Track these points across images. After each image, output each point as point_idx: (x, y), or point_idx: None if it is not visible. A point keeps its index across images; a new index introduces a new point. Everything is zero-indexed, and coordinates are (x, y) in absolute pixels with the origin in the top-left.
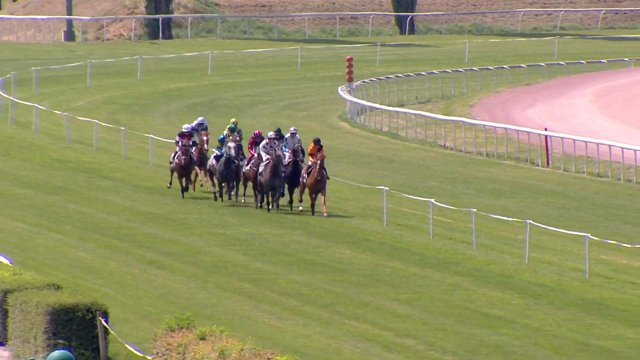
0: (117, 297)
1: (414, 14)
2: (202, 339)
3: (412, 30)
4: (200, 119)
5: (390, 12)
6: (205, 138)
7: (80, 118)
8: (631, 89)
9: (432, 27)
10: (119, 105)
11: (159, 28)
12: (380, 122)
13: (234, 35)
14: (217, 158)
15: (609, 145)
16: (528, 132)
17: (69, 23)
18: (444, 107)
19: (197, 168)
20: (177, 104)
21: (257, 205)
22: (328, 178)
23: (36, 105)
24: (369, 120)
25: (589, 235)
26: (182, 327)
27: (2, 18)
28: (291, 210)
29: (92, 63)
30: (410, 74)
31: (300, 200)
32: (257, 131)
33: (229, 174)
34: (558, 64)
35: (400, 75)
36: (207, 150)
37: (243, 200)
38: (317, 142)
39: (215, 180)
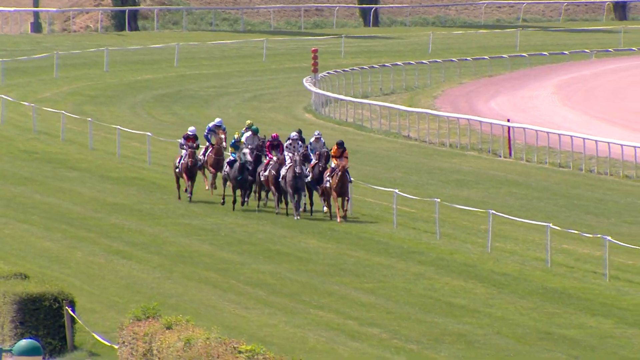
0: (84, 286)
1: (378, 6)
2: (169, 328)
3: (377, 23)
4: (218, 120)
5: (355, 4)
6: (223, 136)
7: (47, 109)
8: (592, 80)
9: (396, 20)
10: (86, 97)
11: (125, 20)
12: (345, 114)
13: (200, 27)
14: (231, 164)
15: (571, 136)
16: (491, 123)
17: (36, 15)
18: (408, 99)
19: (210, 169)
20: (143, 95)
21: (277, 211)
22: (351, 182)
23: (3, 96)
24: (333, 112)
25: (550, 225)
26: (148, 316)
27: None
28: (311, 215)
29: (59, 54)
30: (375, 66)
31: (327, 204)
32: (274, 134)
33: (244, 180)
34: (520, 55)
35: (364, 66)
36: (225, 149)
37: (264, 204)
38: (340, 144)
39: (229, 185)
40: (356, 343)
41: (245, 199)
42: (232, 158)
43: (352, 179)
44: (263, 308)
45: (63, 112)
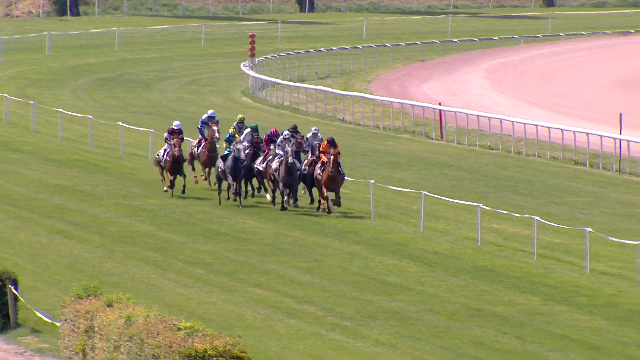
0: (27, 265)
1: None
2: (109, 305)
3: (312, 8)
4: (210, 111)
5: None
6: (216, 128)
7: None
8: (521, 65)
9: (332, 5)
10: (28, 80)
11: (66, 5)
12: (282, 97)
13: (140, 12)
14: (224, 158)
15: (500, 119)
16: (423, 107)
17: None
18: (343, 83)
19: (202, 166)
20: (85, 79)
21: (274, 204)
22: (344, 175)
23: None
24: (270, 95)
25: (481, 205)
26: (89, 294)
27: None
28: (318, 211)
29: (2, 39)
30: (311, 51)
31: (321, 196)
32: (273, 129)
33: (238, 169)
34: (452, 41)
35: (300, 51)
36: (218, 139)
37: (268, 197)
38: (331, 142)
39: (229, 177)
40: (293, 320)
41: (242, 192)
42: (226, 153)
43: (344, 173)
44: (202, 286)
45: (6, 95)
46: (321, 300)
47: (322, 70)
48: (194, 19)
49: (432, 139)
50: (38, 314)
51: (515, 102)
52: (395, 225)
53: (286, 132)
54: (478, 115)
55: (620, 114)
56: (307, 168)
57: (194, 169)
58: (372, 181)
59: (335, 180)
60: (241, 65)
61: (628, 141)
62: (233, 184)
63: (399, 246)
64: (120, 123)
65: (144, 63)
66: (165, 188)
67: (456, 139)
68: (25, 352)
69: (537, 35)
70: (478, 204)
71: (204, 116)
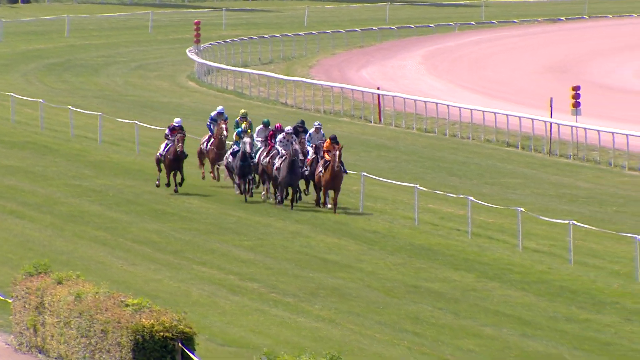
0: None
1: None
2: (60, 283)
3: None
4: (219, 108)
5: None
6: (224, 126)
7: None
8: (456, 51)
9: None
10: None
11: None
12: (226, 82)
13: (89, 0)
14: (234, 154)
15: (436, 103)
16: (362, 91)
17: None
18: (285, 68)
19: (210, 162)
20: (35, 64)
21: (276, 202)
22: (346, 172)
23: None
24: (215, 80)
25: (418, 186)
26: (40, 272)
27: None
28: (317, 206)
29: None
30: (254, 37)
31: (322, 193)
32: (277, 124)
33: (247, 167)
34: (390, 28)
35: (244, 38)
36: (226, 137)
37: (264, 196)
38: (333, 139)
39: (235, 177)
40: (237, 297)
41: (251, 187)
42: (235, 148)
43: (347, 170)
44: (149, 264)
45: None
46: (264, 277)
47: (265, 56)
48: (142, 7)
49: (371, 122)
50: None
51: (450, 87)
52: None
53: (289, 127)
54: (415, 100)
55: (551, 98)
56: (307, 168)
57: (202, 165)
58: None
59: (337, 178)
60: (187, 51)
61: (558, 124)
62: (240, 182)
63: (340, 225)
64: (70, 107)
65: (93, 49)
66: (157, 182)
67: (394, 122)
68: None
69: (471, 22)
70: (415, 185)
71: (213, 113)
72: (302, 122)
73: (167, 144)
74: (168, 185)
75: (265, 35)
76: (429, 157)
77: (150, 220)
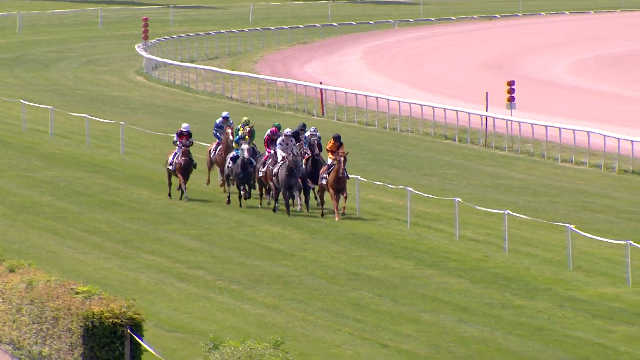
0: None
1: None
2: (12, 271)
3: None
4: (224, 114)
5: None
6: (229, 131)
7: None
8: (396, 47)
9: None
10: None
11: None
12: (174, 77)
13: None
14: (234, 159)
15: (377, 97)
16: (305, 86)
17: None
18: (231, 63)
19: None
20: None
21: (275, 206)
22: (348, 178)
23: None
24: (163, 75)
25: (359, 177)
26: None
27: None
28: (307, 211)
29: None
30: (200, 33)
31: (321, 202)
32: (273, 128)
33: (247, 177)
34: (332, 25)
35: (191, 34)
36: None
37: (267, 203)
38: (337, 138)
39: (232, 183)
40: (184, 284)
41: (247, 194)
42: (235, 154)
43: (349, 175)
44: (99, 253)
45: None
46: (210, 265)
47: (211, 51)
48: (91, 4)
49: (314, 115)
50: None
51: (390, 82)
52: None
53: (288, 130)
54: (356, 94)
55: (487, 93)
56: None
57: (209, 170)
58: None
59: (341, 181)
60: (136, 46)
61: (494, 118)
62: (239, 189)
63: (283, 215)
64: (22, 100)
65: (44, 44)
66: (170, 192)
67: (336, 115)
68: None
69: (410, 19)
70: (357, 177)
71: (218, 120)
72: (304, 126)
73: (175, 153)
74: (170, 195)
75: (211, 32)
76: (370, 150)
77: (99, 211)
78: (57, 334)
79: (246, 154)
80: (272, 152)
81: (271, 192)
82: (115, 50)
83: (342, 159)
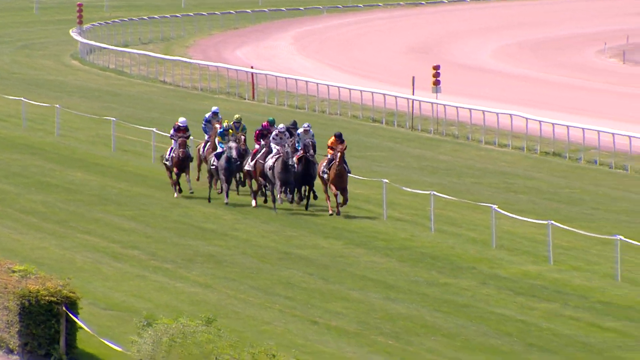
0: None
1: None
2: None
3: None
4: (214, 108)
5: None
6: (218, 126)
7: None
8: (325, 33)
9: None
10: None
11: None
12: (108, 61)
13: None
14: (218, 156)
15: (307, 81)
16: (237, 70)
17: None
18: (164, 48)
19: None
20: None
21: (254, 204)
22: (349, 172)
23: None
24: (97, 59)
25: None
26: None
27: None
28: (306, 209)
29: None
30: (134, 18)
31: (327, 196)
32: (264, 123)
33: (232, 170)
34: (262, 11)
35: (125, 19)
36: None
37: (254, 203)
38: (338, 136)
39: (222, 178)
40: (118, 263)
41: (237, 186)
42: (220, 149)
43: (350, 169)
44: (35, 233)
45: None
46: (145, 245)
47: (145, 36)
48: None
49: (246, 99)
50: None
51: (319, 66)
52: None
53: (281, 125)
54: (286, 78)
55: (413, 77)
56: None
57: (199, 166)
58: (192, 138)
59: (342, 177)
60: (71, 31)
61: (420, 101)
62: (224, 185)
63: (216, 196)
64: (170, 132)
65: None
66: (175, 195)
67: (267, 99)
68: None
69: (339, 5)
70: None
71: (207, 114)
72: (294, 123)
73: (172, 149)
74: (176, 184)
75: (145, 17)
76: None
77: (36, 192)
78: None
79: (234, 153)
80: (265, 147)
81: (263, 189)
82: (51, 35)
83: (339, 153)
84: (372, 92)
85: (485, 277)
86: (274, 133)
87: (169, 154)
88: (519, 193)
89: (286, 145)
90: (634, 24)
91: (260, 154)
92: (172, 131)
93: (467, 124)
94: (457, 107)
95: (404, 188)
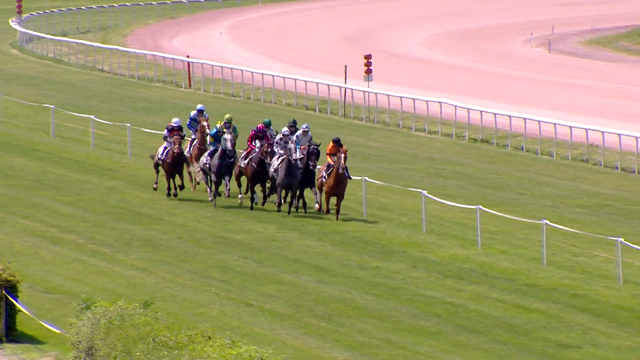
0: None
1: None
2: None
3: None
4: (199, 106)
5: None
6: (206, 123)
7: None
8: (260, 22)
9: None
10: None
11: None
12: (47, 50)
13: None
14: (212, 154)
15: (241, 70)
16: (173, 59)
17: None
18: (102, 37)
19: (193, 163)
20: None
21: (240, 201)
22: (350, 178)
23: None
24: (36, 48)
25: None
26: None
27: None
28: (305, 212)
29: None
30: (73, 8)
31: (319, 203)
32: (260, 125)
33: (224, 167)
34: (199, 0)
35: (63, 9)
36: (208, 134)
37: (240, 200)
38: (337, 141)
39: (210, 178)
40: (57, 247)
41: (226, 189)
42: (212, 148)
43: (350, 176)
44: None
45: None
46: (83, 229)
47: (83, 25)
48: None
49: (182, 87)
50: None
51: (254, 55)
52: (149, 164)
53: (285, 129)
54: (222, 67)
55: (345, 66)
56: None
57: (190, 175)
58: (129, 125)
59: (341, 184)
60: (10, 21)
61: (352, 89)
62: (214, 184)
63: (151, 182)
64: (164, 133)
65: None
66: (154, 186)
67: (203, 87)
68: None
69: None
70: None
71: (193, 112)
72: (294, 122)
73: (165, 148)
74: (169, 195)
75: (82, 7)
76: (235, 120)
77: None
78: None
79: (229, 145)
80: (256, 148)
81: (247, 186)
82: None
83: (343, 155)
84: (306, 81)
85: (415, 260)
86: (277, 137)
87: (163, 153)
88: (448, 178)
89: (289, 143)
90: (559, 14)
91: (254, 155)
92: (165, 132)
93: (397, 112)
94: (388, 95)
95: None
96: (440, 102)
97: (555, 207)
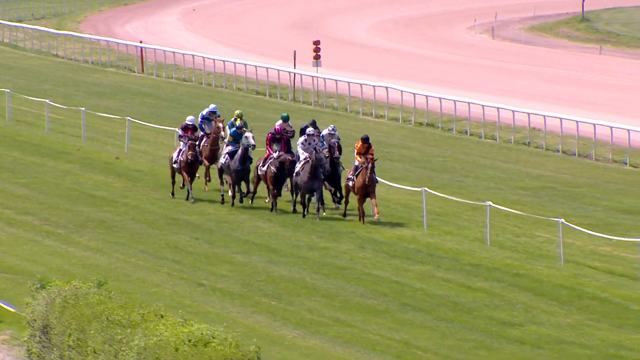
0: None
1: None
2: None
3: None
4: (212, 106)
5: None
6: (220, 125)
7: None
8: (212, 8)
9: None
10: None
11: None
12: (2, 35)
13: None
14: (231, 154)
15: (193, 55)
16: (126, 44)
17: None
18: (57, 23)
19: (204, 162)
20: None
21: (272, 206)
22: (377, 181)
23: None
24: None
25: (176, 129)
26: None
27: None
28: (324, 212)
29: None
30: None
31: (345, 202)
32: (277, 127)
33: (245, 171)
34: None
35: None
36: (224, 139)
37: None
38: (365, 139)
39: (226, 180)
40: (12, 229)
41: (242, 194)
42: (232, 148)
43: (378, 178)
44: None
45: None
46: (38, 211)
47: (38, 12)
48: None
49: (135, 72)
50: None
51: (205, 41)
52: (103, 147)
53: (310, 129)
54: (174, 52)
55: (295, 52)
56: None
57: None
58: (84, 109)
59: (369, 187)
60: None
61: (301, 75)
62: (231, 187)
63: (106, 165)
64: (178, 132)
65: None
66: (174, 191)
67: (156, 72)
68: None
69: None
70: (174, 129)
71: (205, 111)
72: (314, 122)
73: (180, 150)
74: (173, 194)
75: None
76: (187, 104)
77: None
78: None
79: (252, 141)
80: (275, 152)
81: (270, 193)
82: None
83: (370, 165)
84: (256, 66)
85: (363, 241)
86: (301, 138)
87: (177, 157)
88: (394, 161)
89: (316, 149)
90: (503, 2)
91: (273, 159)
92: (180, 132)
93: (345, 96)
94: (336, 81)
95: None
96: (387, 87)
97: (498, 189)
